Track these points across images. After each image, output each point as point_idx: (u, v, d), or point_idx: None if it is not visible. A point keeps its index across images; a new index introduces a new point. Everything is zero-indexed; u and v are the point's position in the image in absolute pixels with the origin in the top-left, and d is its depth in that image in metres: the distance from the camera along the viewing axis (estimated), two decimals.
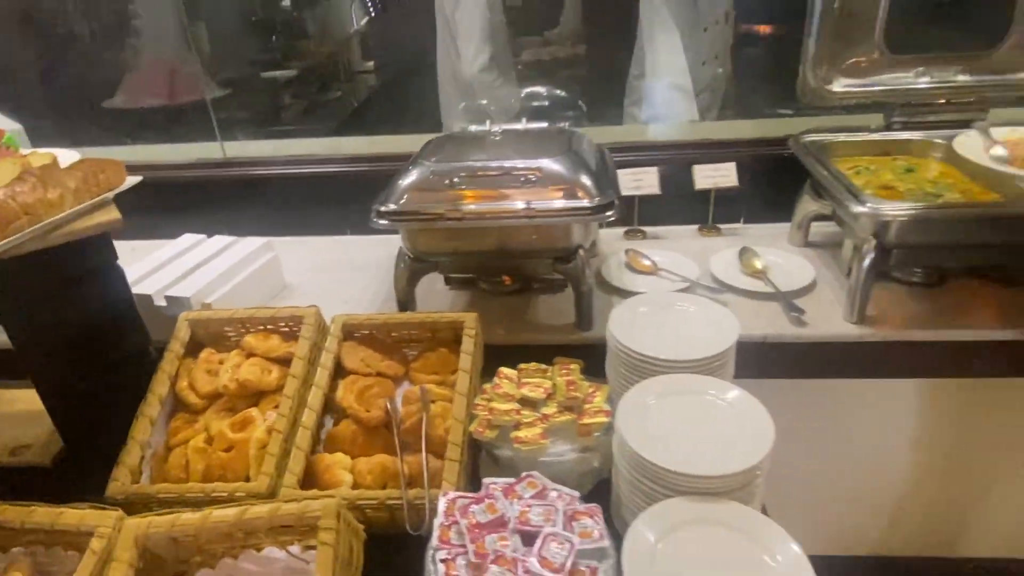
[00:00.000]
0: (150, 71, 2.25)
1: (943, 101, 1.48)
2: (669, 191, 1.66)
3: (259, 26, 3.00)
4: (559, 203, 1.17)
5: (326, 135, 2.77)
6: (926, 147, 1.45)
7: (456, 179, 1.21)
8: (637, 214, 1.71)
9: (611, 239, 1.71)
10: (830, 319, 1.30)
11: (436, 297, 1.47)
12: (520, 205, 1.17)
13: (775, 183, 1.61)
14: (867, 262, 1.22)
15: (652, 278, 1.48)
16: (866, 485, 1.59)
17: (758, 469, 0.87)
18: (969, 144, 1.19)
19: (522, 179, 1.20)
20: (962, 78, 1.47)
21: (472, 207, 1.18)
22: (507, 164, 1.22)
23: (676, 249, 1.60)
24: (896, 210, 1.16)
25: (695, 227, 1.73)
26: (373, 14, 4.03)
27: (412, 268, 1.32)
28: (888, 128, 1.51)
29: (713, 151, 1.69)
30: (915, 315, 1.30)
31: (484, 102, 2.68)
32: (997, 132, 1.27)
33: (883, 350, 1.25)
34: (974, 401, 1.45)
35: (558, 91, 2.11)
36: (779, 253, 1.52)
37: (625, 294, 1.42)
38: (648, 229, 1.74)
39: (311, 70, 3.41)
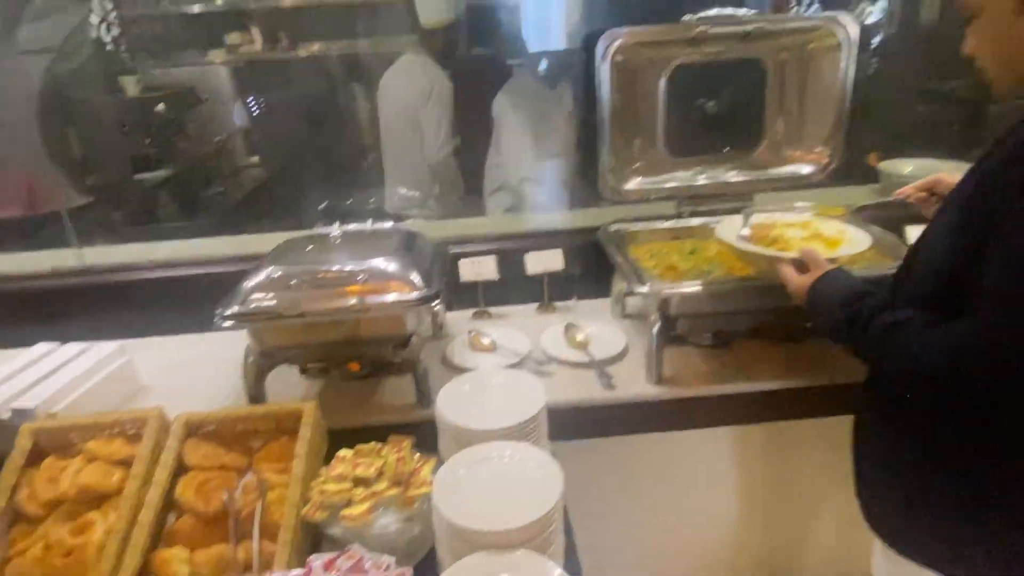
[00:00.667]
0: (6, 182, 2.25)
1: (719, 193, 1.77)
2: (512, 275, 1.86)
3: (133, 129, 3.05)
4: (388, 297, 1.32)
5: (204, 233, 2.82)
6: (706, 231, 1.73)
7: (296, 280, 1.34)
8: (483, 297, 1.89)
9: (461, 320, 1.87)
10: (635, 381, 1.50)
11: (292, 386, 1.56)
12: (352, 302, 1.31)
13: (600, 264, 1.84)
14: (655, 331, 1.43)
15: (491, 355, 1.64)
16: (686, 525, 1.77)
17: (548, 520, 1.01)
18: (725, 228, 1.45)
19: (357, 277, 1.34)
20: (732, 174, 1.78)
21: (309, 306, 1.31)
22: (345, 265, 1.36)
23: (515, 327, 1.78)
24: (668, 289, 1.38)
25: (535, 305, 1.93)
26: (258, 110, 4.17)
27: (259, 364, 1.42)
28: (678, 216, 1.78)
29: (543, 239, 1.91)
30: (706, 373, 1.52)
31: (349, 202, 2.86)
32: (756, 217, 1.54)
33: (678, 406, 1.45)
34: (768, 442, 1.68)
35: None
36: (600, 326, 1.73)
37: (465, 372, 1.56)
38: (494, 310, 1.92)
39: (190, 168, 3.47)
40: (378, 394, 1.53)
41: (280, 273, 1.36)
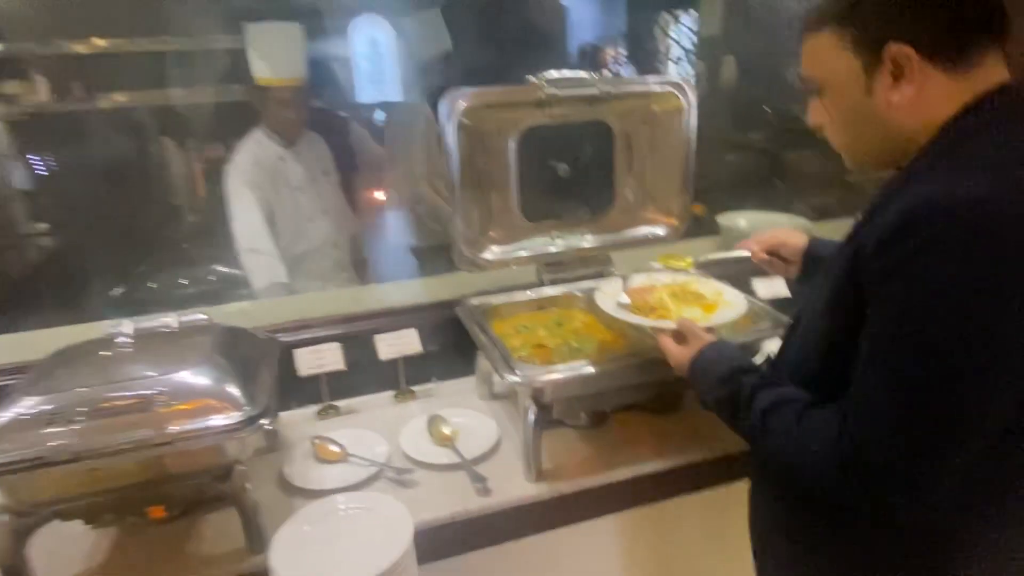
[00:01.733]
0: None
1: (578, 258, 1.67)
2: (362, 360, 1.60)
3: None
4: (198, 424, 1.02)
5: None
6: (570, 300, 1.61)
7: (69, 408, 0.99)
8: (328, 390, 1.60)
9: (303, 422, 1.57)
10: (513, 480, 1.30)
11: (72, 542, 1.17)
12: (148, 433, 0.99)
13: (461, 338, 1.64)
14: (531, 422, 1.26)
15: (340, 467, 1.37)
16: None
17: None
18: (604, 296, 1.33)
19: (155, 399, 1.02)
20: (588, 238, 1.70)
21: (88, 444, 0.97)
22: (139, 381, 1.04)
23: (369, 424, 1.52)
24: (543, 376, 1.22)
25: (391, 393, 1.68)
26: (46, 169, 3.51)
27: (17, 527, 1.03)
28: (540, 284, 1.65)
29: (395, 318, 1.69)
30: (587, 459, 1.37)
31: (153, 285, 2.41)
32: (635, 279, 1.44)
33: (560, 503, 1.28)
34: (660, 520, 1.56)
35: None
36: (468, 413, 1.53)
37: (310, 494, 1.27)
38: (343, 403, 1.64)
39: None
40: (194, 540, 1.19)
41: (45, 400, 1.00)
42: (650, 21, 4.98)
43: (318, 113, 3.10)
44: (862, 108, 0.86)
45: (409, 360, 1.63)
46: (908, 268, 0.72)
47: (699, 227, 2.66)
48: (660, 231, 1.72)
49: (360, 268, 2.38)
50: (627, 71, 4.99)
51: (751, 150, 4.35)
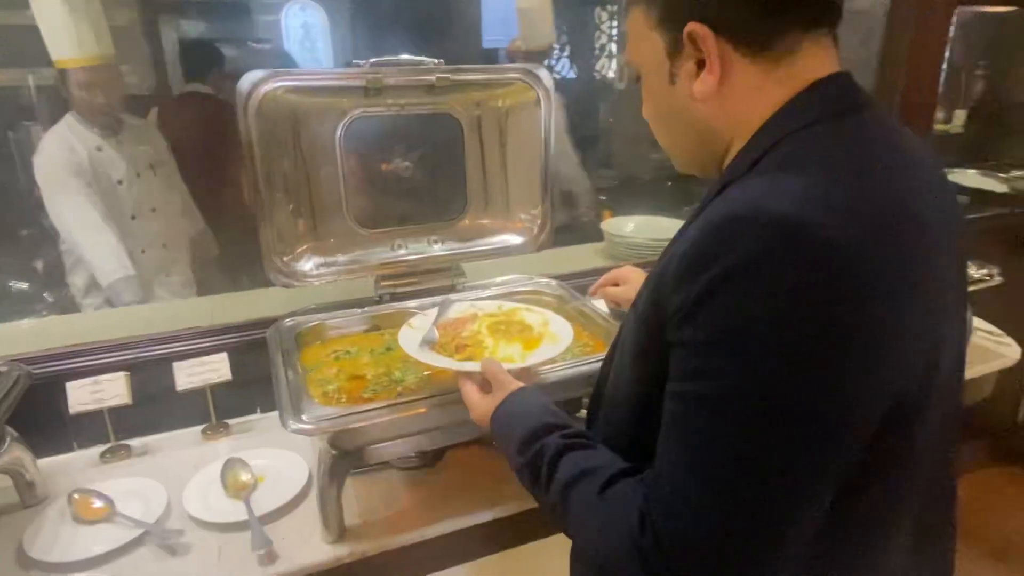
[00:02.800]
0: None
1: (424, 269, 1.46)
2: (163, 390, 1.34)
3: None
4: None
5: None
6: (406, 318, 1.39)
7: None
8: (114, 429, 1.33)
9: (77, 468, 1.30)
10: (309, 541, 1.08)
11: None
12: None
13: None
14: (325, 474, 1.04)
15: (102, 529, 1.11)
16: None
17: None
18: (411, 328, 1.12)
19: None
20: (436, 247, 1.48)
21: None
22: None
23: (160, 470, 1.27)
24: (329, 421, 1.00)
25: (200, 428, 1.42)
26: None
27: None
28: (378, 301, 1.43)
29: (201, 342, 1.43)
30: (408, 509, 1.16)
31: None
32: (457, 308, 1.23)
33: (363, 567, 1.06)
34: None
35: None
36: (283, 454, 1.29)
37: (51, 568, 1.02)
38: (138, 442, 1.38)
39: None
40: None
41: None
42: (588, 16, 4.86)
43: (191, 98, 2.80)
44: (670, 100, 0.71)
45: (220, 389, 1.38)
46: (704, 306, 0.57)
47: (593, 236, 2.51)
48: (516, 240, 1.52)
49: (207, 271, 2.09)
50: (565, 67, 4.83)
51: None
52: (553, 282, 1.52)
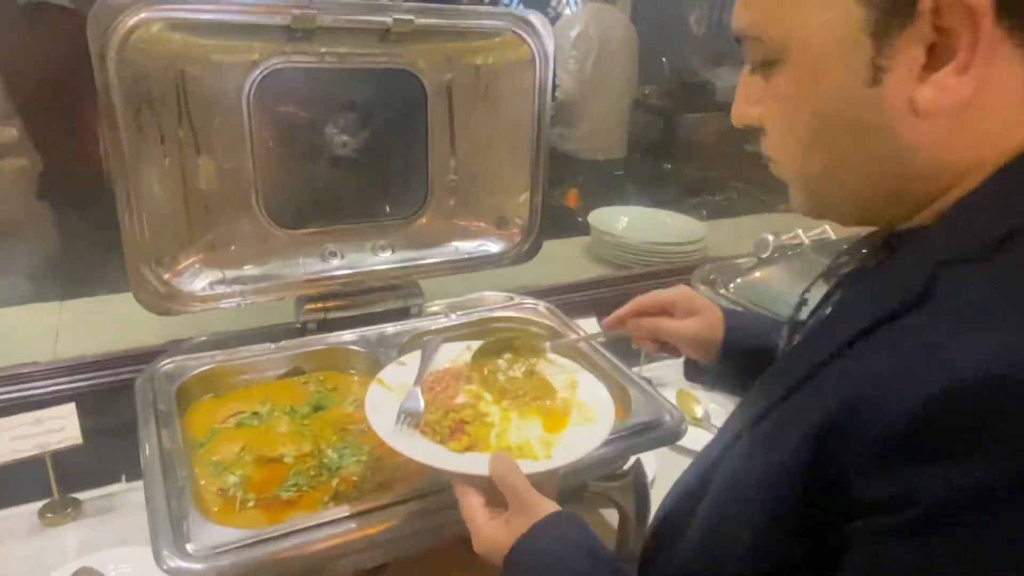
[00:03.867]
0: None
1: (367, 287, 1.20)
2: None
3: None
4: None
5: None
6: (346, 358, 1.14)
7: None
8: None
9: None
10: None
11: None
12: None
13: None
14: None
15: None
16: None
17: None
18: (381, 388, 0.86)
19: None
20: (385, 257, 1.23)
21: None
22: None
23: None
24: (215, 552, 0.73)
25: (38, 506, 1.12)
26: None
27: None
28: (302, 331, 1.16)
29: (36, 387, 1.12)
30: None
31: None
32: (445, 353, 0.96)
33: None
34: None
35: None
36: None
37: None
38: None
39: None
40: None
41: None
42: None
43: (42, 10, 2.35)
44: (854, 107, 0.49)
45: (66, 455, 1.08)
46: (945, 510, 0.40)
47: (568, 223, 2.31)
48: (493, 247, 1.30)
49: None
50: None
51: (644, 110, 4.05)
52: (541, 305, 1.29)
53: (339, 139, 1.17)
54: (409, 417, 0.80)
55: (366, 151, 1.20)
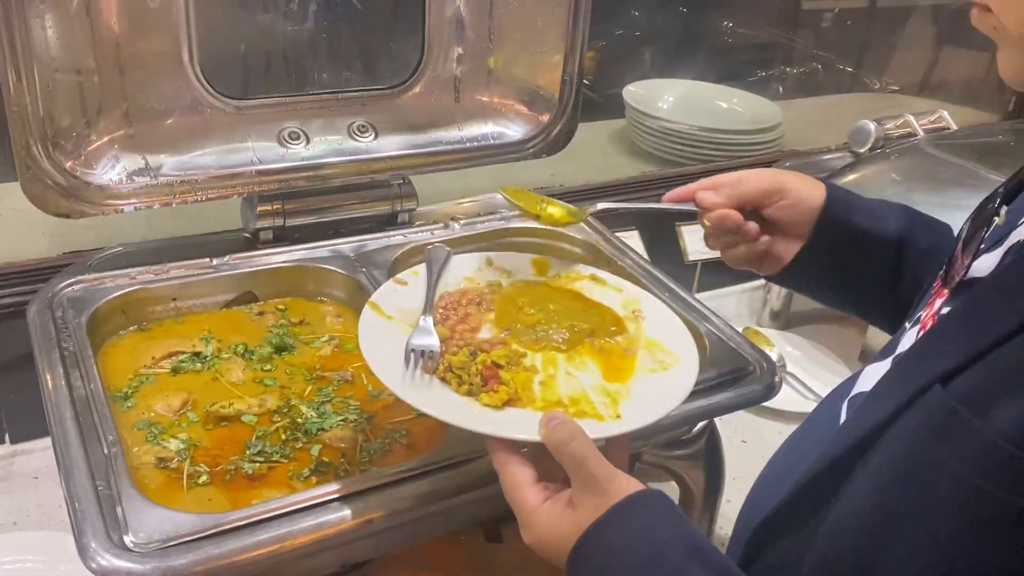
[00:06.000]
0: None
1: (341, 184, 1.18)
2: None
3: None
4: None
5: None
6: (316, 280, 1.13)
7: None
8: None
9: None
10: None
11: None
12: None
13: None
14: None
15: None
16: None
17: None
18: (375, 314, 0.82)
19: None
20: (366, 141, 1.20)
21: None
22: None
23: None
24: (164, 545, 0.71)
25: None
26: None
27: None
28: (255, 242, 1.14)
29: None
30: None
31: None
32: (461, 267, 0.94)
33: None
34: None
35: None
36: (51, 541, 1.01)
37: None
38: None
39: None
40: None
41: None
42: None
43: None
44: None
45: None
46: None
47: (586, 101, 2.26)
48: (514, 130, 1.29)
49: None
50: None
51: None
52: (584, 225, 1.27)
53: None
54: (423, 358, 0.78)
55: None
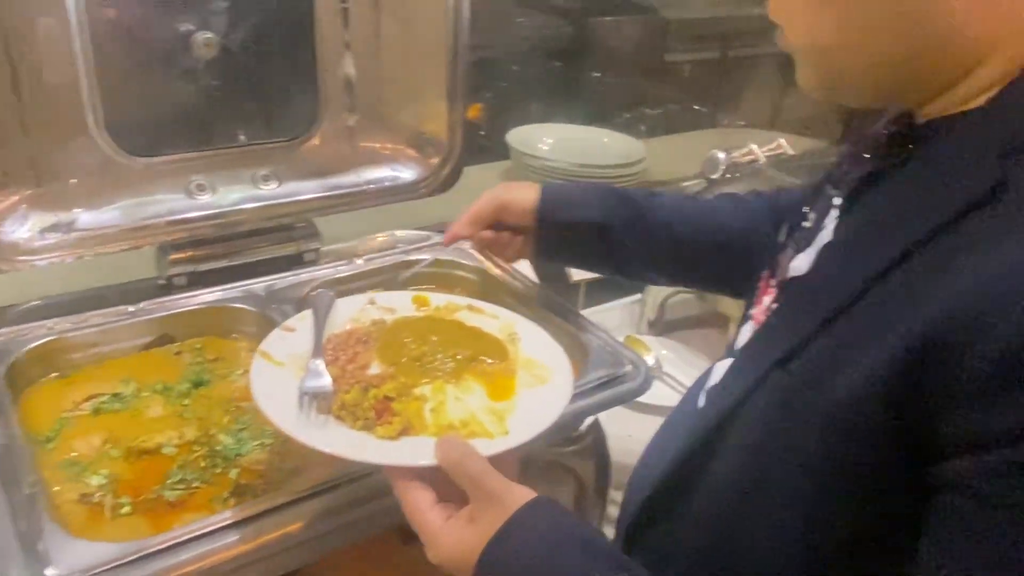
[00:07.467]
0: None
1: (248, 230, 1.15)
2: None
3: None
4: None
5: None
6: (229, 319, 1.08)
7: None
8: None
9: None
10: None
11: None
12: None
13: None
14: None
15: None
16: None
17: None
18: (264, 361, 0.78)
19: None
20: (269, 189, 1.16)
21: None
22: None
23: None
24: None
25: None
26: None
27: None
28: (167, 288, 1.09)
29: None
30: None
31: None
32: (348, 309, 0.91)
33: None
34: None
35: None
36: None
37: None
38: None
39: None
40: None
41: None
42: None
43: None
44: None
45: None
46: None
47: (473, 145, 2.26)
48: (407, 173, 1.26)
49: None
50: None
51: (549, 11, 3.97)
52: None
53: (201, 38, 1.07)
54: (316, 400, 0.74)
55: (238, 53, 1.10)
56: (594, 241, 0.97)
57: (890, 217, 0.55)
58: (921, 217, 0.50)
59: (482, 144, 2.33)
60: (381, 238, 1.26)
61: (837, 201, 0.64)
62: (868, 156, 0.62)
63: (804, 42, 0.58)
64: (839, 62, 0.56)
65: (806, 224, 0.67)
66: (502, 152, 1.93)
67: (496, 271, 1.21)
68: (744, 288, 0.79)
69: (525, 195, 0.99)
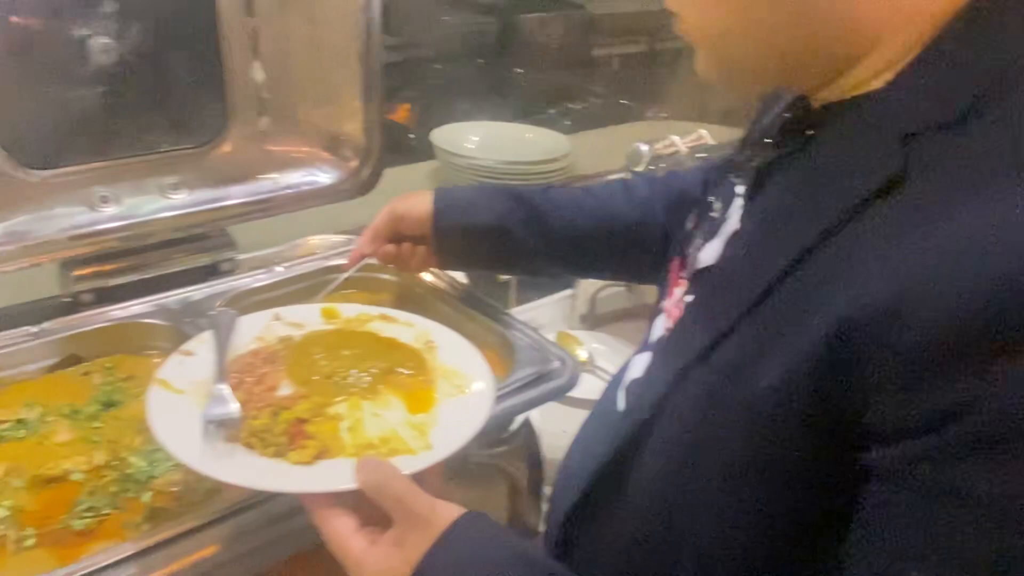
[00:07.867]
0: None
1: (157, 241, 1.10)
2: None
3: None
4: None
5: None
6: (141, 335, 1.04)
7: None
8: None
9: None
10: None
11: None
12: None
13: None
14: None
15: None
16: None
17: None
18: (164, 387, 0.74)
19: None
20: (179, 198, 1.11)
21: None
22: None
23: None
24: None
25: None
26: None
27: None
28: (74, 306, 1.04)
29: None
30: None
31: None
32: (252, 327, 0.86)
33: None
34: None
35: None
36: None
37: None
38: None
39: None
40: None
41: None
42: None
43: None
44: None
45: None
46: (980, 404, 0.43)
47: (402, 146, 2.23)
48: (324, 176, 1.22)
49: None
50: None
51: (474, 9, 3.96)
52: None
53: (98, 42, 1.02)
54: (222, 428, 0.69)
55: (138, 58, 1.06)
56: (493, 244, 0.95)
57: (796, 206, 0.54)
58: (827, 205, 0.49)
59: (411, 145, 2.31)
60: (301, 245, 1.22)
61: (740, 190, 0.63)
62: (768, 142, 0.61)
63: (698, 29, 0.57)
64: (733, 48, 0.56)
65: (712, 214, 0.66)
66: (430, 152, 1.91)
67: (423, 274, 1.19)
68: (655, 276, 0.79)
69: (420, 204, 0.97)
